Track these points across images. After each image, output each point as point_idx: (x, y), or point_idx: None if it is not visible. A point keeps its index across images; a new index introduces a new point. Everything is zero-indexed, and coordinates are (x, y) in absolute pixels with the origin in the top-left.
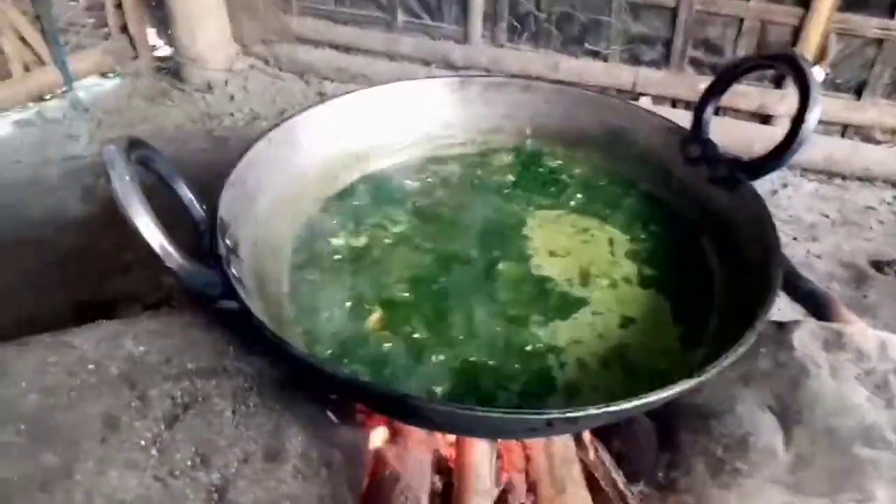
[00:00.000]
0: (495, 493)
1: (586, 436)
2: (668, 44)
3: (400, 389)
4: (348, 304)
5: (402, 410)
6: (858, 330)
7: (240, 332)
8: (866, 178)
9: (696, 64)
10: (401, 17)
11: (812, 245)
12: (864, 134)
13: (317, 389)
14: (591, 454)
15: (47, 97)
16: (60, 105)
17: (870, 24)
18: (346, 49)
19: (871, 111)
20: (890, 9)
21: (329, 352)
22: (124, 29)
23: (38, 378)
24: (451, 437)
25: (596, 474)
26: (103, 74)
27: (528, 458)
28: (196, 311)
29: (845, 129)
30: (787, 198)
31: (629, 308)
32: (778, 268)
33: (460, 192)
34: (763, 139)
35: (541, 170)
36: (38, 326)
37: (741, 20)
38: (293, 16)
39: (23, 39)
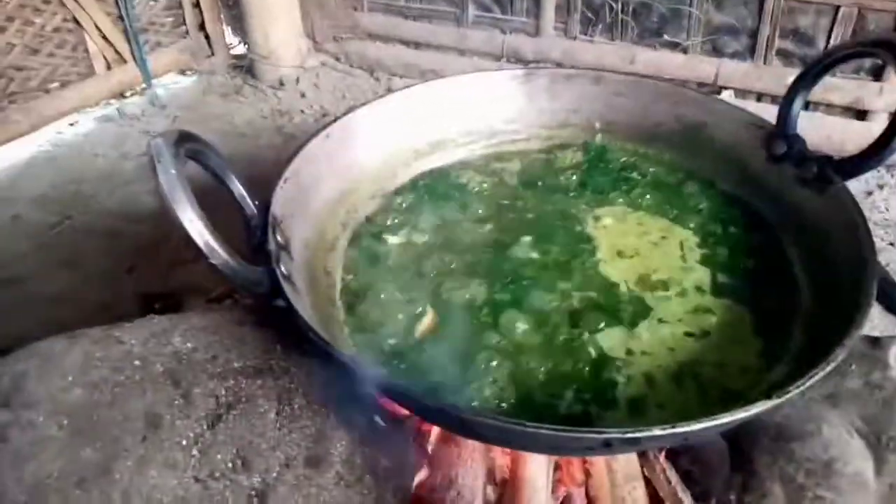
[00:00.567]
0: None
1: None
2: (753, 34)
3: (449, 400)
4: (402, 305)
5: (452, 423)
6: None
7: (289, 331)
8: None
9: (784, 55)
10: (471, 11)
11: None
12: None
13: (365, 393)
14: (657, 472)
15: (127, 94)
16: (140, 102)
17: None
18: (416, 45)
19: None
20: None
21: (379, 354)
22: (201, 27)
23: (84, 372)
24: None
25: (661, 494)
26: (181, 72)
27: (587, 473)
28: (247, 308)
29: None
30: (882, 200)
31: (702, 319)
32: (873, 279)
33: (523, 190)
34: (857, 137)
35: (610, 167)
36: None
37: (836, 7)
38: (364, 12)
39: (106, 38)
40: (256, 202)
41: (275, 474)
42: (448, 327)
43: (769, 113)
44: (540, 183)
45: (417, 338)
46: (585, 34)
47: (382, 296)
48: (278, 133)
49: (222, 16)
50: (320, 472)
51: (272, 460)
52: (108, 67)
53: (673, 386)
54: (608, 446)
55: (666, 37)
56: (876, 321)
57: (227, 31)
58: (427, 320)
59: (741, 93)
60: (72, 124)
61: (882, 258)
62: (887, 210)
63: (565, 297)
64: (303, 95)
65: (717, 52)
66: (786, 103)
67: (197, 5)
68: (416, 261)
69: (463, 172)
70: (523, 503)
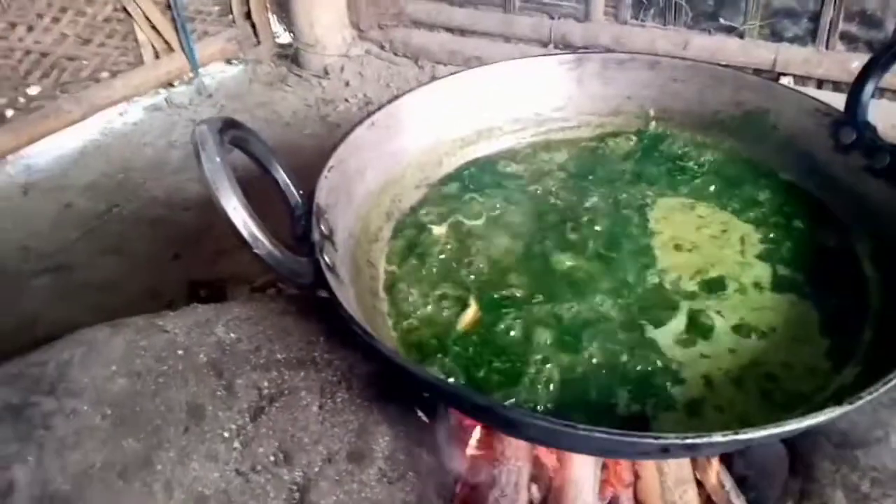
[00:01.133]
0: None
1: None
2: (815, 17)
3: (494, 398)
4: (446, 297)
5: (497, 421)
6: None
7: (332, 323)
8: None
9: (848, 39)
10: None
11: None
12: None
13: (408, 387)
14: (711, 475)
15: (175, 83)
16: (187, 91)
17: None
18: (461, 32)
19: None
20: None
21: (422, 349)
22: (248, 16)
23: (127, 362)
24: None
25: (714, 498)
26: (227, 61)
27: (636, 475)
28: (291, 298)
29: None
30: None
31: (764, 317)
32: None
33: (574, 179)
34: None
35: (665, 156)
36: (151, 304)
37: None
38: None
39: (154, 28)
40: (301, 191)
41: (317, 469)
42: (494, 321)
43: (831, 101)
44: (591, 172)
45: (461, 330)
46: (637, 18)
47: (426, 288)
48: (322, 122)
49: (268, 4)
50: (362, 467)
51: (314, 454)
52: (157, 57)
53: (733, 387)
54: (665, 451)
55: (721, 20)
56: None
57: (273, 19)
58: (470, 313)
59: (800, 80)
60: (121, 113)
61: None
62: None
63: (618, 293)
64: (347, 84)
65: (775, 36)
66: (856, 89)
67: None
68: (461, 252)
69: (510, 161)
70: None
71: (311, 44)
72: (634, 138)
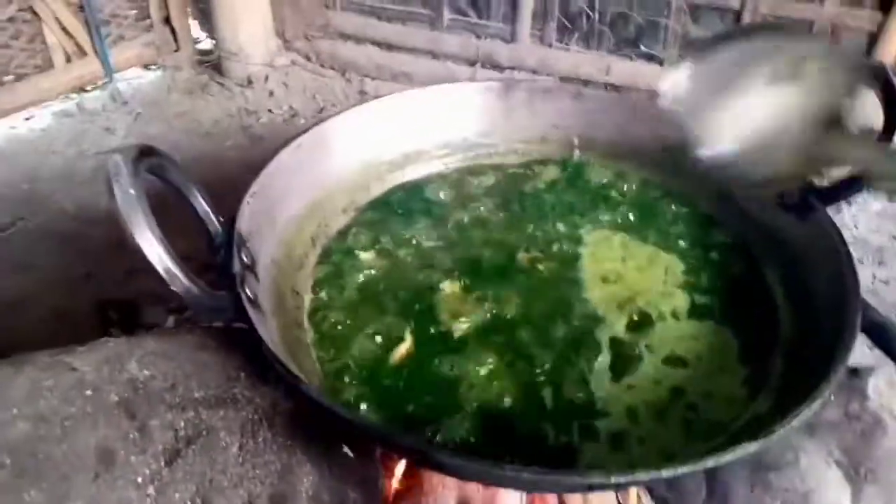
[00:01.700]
0: None
1: None
2: None
3: (421, 436)
4: (374, 328)
5: (425, 461)
6: None
7: (255, 357)
8: None
9: None
10: (446, 14)
11: (879, 270)
12: None
13: (333, 425)
14: (632, 499)
15: (88, 88)
16: (100, 97)
17: None
18: (389, 46)
19: None
20: None
21: (349, 382)
22: (167, 21)
23: (30, 403)
24: None
25: None
26: (144, 66)
27: (561, 500)
28: (209, 330)
29: None
30: (851, 217)
31: (684, 346)
32: (857, 312)
33: (500, 207)
34: None
35: (589, 185)
36: (60, 325)
37: (811, 23)
38: (336, 11)
39: (65, 30)
40: (220, 218)
41: None
42: (425, 353)
43: None
44: (518, 200)
45: (391, 365)
46: (561, 42)
47: (353, 318)
48: (245, 133)
49: (189, 9)
50: None
51: (234, 498)
52: (68, 60)
53: (656, 420)
54: (590, 488)
55: (642, 47)
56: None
57: (194, 25)
58: (404, 346)
59: None
60: (27, 119)
61: None
62: (856, 227)
63: (546, 326)
64: (271, 94)
65: None
66: None
67: None
68: (389, 280)
69: (438, 186)
70: None
71: (235, 52)
72: (559, 167)
